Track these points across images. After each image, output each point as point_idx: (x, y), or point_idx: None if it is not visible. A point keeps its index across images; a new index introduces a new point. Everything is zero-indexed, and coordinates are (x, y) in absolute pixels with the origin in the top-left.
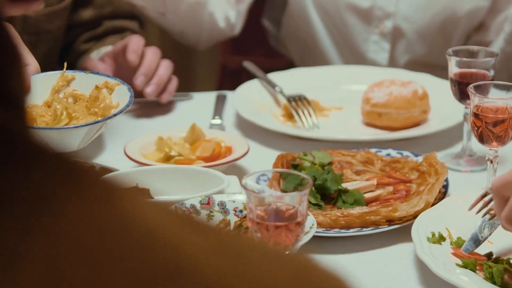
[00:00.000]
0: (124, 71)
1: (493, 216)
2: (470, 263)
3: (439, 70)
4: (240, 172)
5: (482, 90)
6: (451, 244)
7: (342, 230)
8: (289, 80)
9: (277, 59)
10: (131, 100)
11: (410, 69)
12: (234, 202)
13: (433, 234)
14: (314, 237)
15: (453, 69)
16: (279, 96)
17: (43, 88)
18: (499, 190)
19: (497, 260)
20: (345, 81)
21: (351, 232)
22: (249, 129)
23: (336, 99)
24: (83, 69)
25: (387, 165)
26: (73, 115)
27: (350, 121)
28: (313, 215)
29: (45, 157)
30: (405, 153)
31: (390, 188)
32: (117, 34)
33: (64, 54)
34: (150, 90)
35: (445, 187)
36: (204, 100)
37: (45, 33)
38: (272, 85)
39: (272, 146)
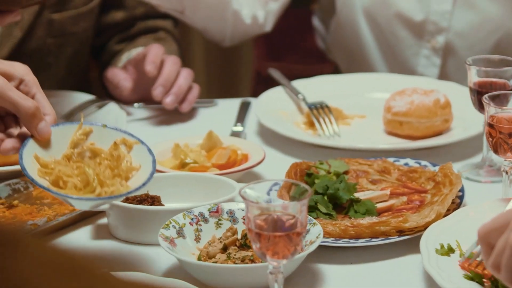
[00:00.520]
0: (145, 79)
1: None
2: (477, 276)
3: None
4: (255, 179)
5: (501, 100)
6: (460, 256)
7: (351, 240)
8: (314, 88)
9: (312, 66)
10: (155, 165)
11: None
12: (243, 210)
13: (442, 246)
14: (323, 246)
15: (473, 78)
16: (302, 104)
17: (61, 140)
18: (485, 237)
19: None
20: (370, 89)
21: (360, 242)
22: (270, 136)
23: (360, 107)
24: (107, 76)
25: (404, 174)
26: (105, 182)
27: (371, 129)
28: (323, 225)
29: None
30: (423, 162)
31: (404, 198)
32: (150, 34)
33: (98, 55)
34: (169, 101)
35: (461, 197)
36: (228, 107)
37: (71, 35)
38: (295, 92)
39: (291, 154)
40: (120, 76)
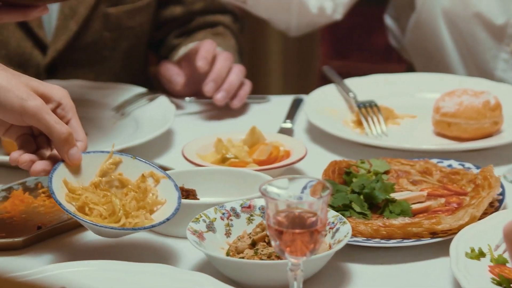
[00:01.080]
0: (198, 74)
1: None
2: (506, 281)
3: None
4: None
5: None
6: (491, 261)
7: (383, 240)
8: (368, 86)
9: (379, 64)
10: (180, 202)
11: None
12: None
13: (472, 250)
14: (354, 246)
15: None
16: (352, 102)
17: (91, 167)
18: (510, 235)
19: None
20: (424, 89)
21: (391, 242)
22: (317, 134)
23: (412, 107)
24: (160, 70)
25: (446, 176)
26: (130, 213)
27: (420, 130)
28: (355, 224)
29: None
30: (467, 164)
31: (442, 200)
32: (208, 29)
33: (157, 49)
34: (219, 97)
35: (500, 201)
36: (281, 103)
37: (127, 29)
38: (346, 90)
39: (337, 152)
40: (172, 71)
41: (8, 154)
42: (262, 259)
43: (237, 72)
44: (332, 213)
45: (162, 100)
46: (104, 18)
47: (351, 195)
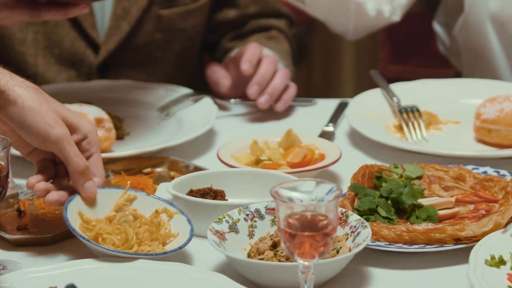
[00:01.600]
0: (243, 77)
1: None
2: None
3: None
4: (332, 179)
5: None
6: (511, 269)
7: (405, 246)
8: (414, 91)
9: (436, 69)
10: (192, 233)
11: None
12: None
13: (493, 257)
14: (375, 250)
15: None
16: (395, 107)
17: (106, 203)
18: None
19: None
20: (469, 94)
21: (413, 248)
22: (358, 138)
23: (456, 112)
24: (207, 72)
25: (479, 183)
26: (143, 242)
27: (462, 136)
28: (378, 228)
29: None
30: (502, 171)
31: (471, 207)
32: (262, 32)
33: (212, 52)
34: (262, 100)
35: None
36: (327, 106)
37: (179, 31)
38: (391, 95)
39: (376, 156)
40: (219, 73)
41: None
42: (281, 261)
43: (282, 75)
44: (354, 217)
45: (206, 102)
46: (156, 20)
47: (379, 199)
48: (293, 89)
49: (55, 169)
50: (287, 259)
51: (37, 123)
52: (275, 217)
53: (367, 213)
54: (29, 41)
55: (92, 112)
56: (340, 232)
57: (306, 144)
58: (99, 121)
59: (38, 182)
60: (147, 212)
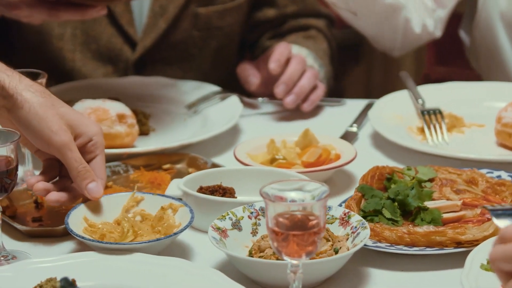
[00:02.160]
0: (272, 76)
1: None
2: None
3: None
4: (347, 180)
5: None
6: None
7: (405, 248)
8: (442, 94)
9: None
10: (192, 219)
11: None
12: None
13: (489, 261)
14: (376, 251)
15: None
16: (420, 109)
17: (115, 207)
18: (496, 264)
19: None
20: (496, 98)
21: (413, 250)
22: (380, 139)
23: (482, 115)
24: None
25: (491, 187)
26: (138, 232)
27: (483, 140)
28: (380, 229)
29: None
30: None
31: (478, 211)
32: (301, 32)
33: (251, 50)
34: (289, 100)
35: None
36: (355, 107)
37: (216, 29)
38: (416, 97)
39: (395, 158)
40: (249, 71)
41: None
42: (279, 259)
43: (310, 76)
44: (356, 218)
45: (233, 100)
46: (193, 18)
47: (385, 201)
48: (321, 89)
49: (60, 169)
50: None
51: (41, 129)
52: None
53: (372, 214)
54: (67, 36)
55: (114, 107)
56: (341, 232)
57: (323, 144)
58: (121, 117)
59: (38, 182)
60: (154, 210)
